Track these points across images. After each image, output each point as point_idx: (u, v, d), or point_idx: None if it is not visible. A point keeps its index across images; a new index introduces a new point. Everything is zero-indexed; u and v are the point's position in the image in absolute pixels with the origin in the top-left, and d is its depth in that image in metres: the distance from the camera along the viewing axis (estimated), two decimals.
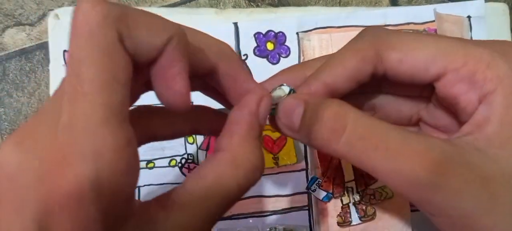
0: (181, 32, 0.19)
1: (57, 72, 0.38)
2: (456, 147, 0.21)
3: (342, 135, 0.22)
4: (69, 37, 0.17)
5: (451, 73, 0.22)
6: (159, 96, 0.20)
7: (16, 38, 0.40)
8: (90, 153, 0.16)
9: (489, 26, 0.40)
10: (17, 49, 0.40)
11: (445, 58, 0.22)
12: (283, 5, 0.41)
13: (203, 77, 0.23)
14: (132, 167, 0.17)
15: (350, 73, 0.23)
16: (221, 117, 0.24)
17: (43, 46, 0.40)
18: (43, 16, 0.40)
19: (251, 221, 0.38)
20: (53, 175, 0.16)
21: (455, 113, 0.23)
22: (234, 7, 0.41)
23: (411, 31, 0.39)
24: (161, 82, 0.19)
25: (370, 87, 0.25)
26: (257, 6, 0.42)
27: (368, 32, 0.25)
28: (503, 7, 0.41)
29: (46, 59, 0.39)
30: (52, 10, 0.39)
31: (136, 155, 0.18)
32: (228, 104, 0.25)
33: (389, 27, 0.39)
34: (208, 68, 0.22)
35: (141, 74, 0.19)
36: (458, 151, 0.21)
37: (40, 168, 0.16)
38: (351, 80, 0.24)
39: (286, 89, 0.24)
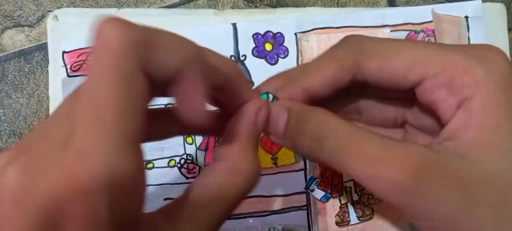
0: (199, 54, 0.19)
1: (56, 73, 0.38)
2: (436, 152, 0.21)
3: (325, 143, 0.22)
4: (89, 58, 0.17)
5: (429, 80, 0.22)
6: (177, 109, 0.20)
7: (15, 39, 0.40)
8: (104, 179, 0.16)
9: (486, 26, 0.40)
10: (16, 50, 0.40)
11: (423, 65, 0.22)
12: (282, 5, 0.42)
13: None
14: (143, 188, 0.18)
15: (328, 82, 0.24)
16: (212, 117, 0.25)
17: (42, 47, 0.40)
18: (42, 17, 0.41)
19: (250, 221, 0.38)
20: (65, 199, 0.15)
21: (437, 117, 0.24)
22: (232, 8, 0.41)
23: (409, 31, 0.39)
24: (179, 99, 0.19)
25: (354, 90, 0.26)
26: (256, 6, 0.42)
27: (348, 40, 0.25)
28: (500, 7, 0.41)
29: (45, 60, 0.39)
30: (51, 11, 0.40)
31: (145, 175, 0.18)
32: (221, 106, 0.25)
33: (387, 28, 0.39)
34: (218, 86, 0.22)
35: (156, 88, 0.19)
36: (437, 156, 0.21)
37: (49, 192, 0.15)
38: (329, 87, 0.24)
39: (269, 96, 0.25)
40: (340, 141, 0.22)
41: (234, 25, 0.39)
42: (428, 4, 0.41)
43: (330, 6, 0.42)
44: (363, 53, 0.23)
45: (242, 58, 0.39)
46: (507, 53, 0.41)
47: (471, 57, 0.21)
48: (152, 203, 0.37)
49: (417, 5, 0.42)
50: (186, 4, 0.41)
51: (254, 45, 0.39)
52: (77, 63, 0.37)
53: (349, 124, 0.23)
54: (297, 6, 0.42)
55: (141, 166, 0.17)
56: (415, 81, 0.22)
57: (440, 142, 0.22)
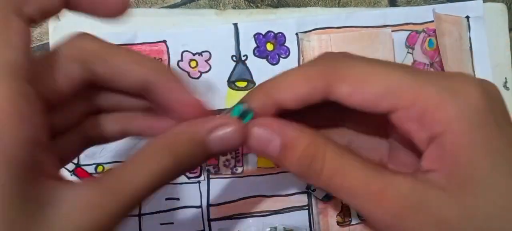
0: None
1: None
2: (414, 186, 0.21)
3: (316, 173, 0.23)
4: None
5: (401, 111, 0.22)
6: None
7: None
8: None
9: (487, 26, 0.40)
10: None
11: (394, 95, 0.22)
12: (283, 6, 0.42)
13: (138, 95, 0.24)
14: (28, 119, 0.18)
15: (299, 98, 0.24)
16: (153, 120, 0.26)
17: (44, 48, 0.40)
18: None
19: (251, 220, 0.38)
20: None
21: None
22: (234, 8, 0.41)
23: (410, 30, 0.40)
24: None
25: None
26: (257, 7, 0.42)
27: (323, 58, 0.25)
28: (501, 7, 0.41)
29: None
30: None
31: (32, 110, 0.18)
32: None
33: (389, 28, 0.39)
34: (138, 83, 0.23)
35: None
36: (415, 191, 0.21)
37: None
38: (301, 103, 0.24)
39: (243, 106, 0.25)
40: (328, 174, 0.23)
41: (235, 25, 0.39)
42: (429, 4, 0.41)
43: (331, 6, 0.42)
44: (335, 76, 0.23)
45: (243, 58, 0.39)
46: (508, 53, 0.41)
47: (444, 91, 0.21)
48: (154, 203, 0.38)
49: (418, 5, 0.42)
50: (187, 4, 0.41)
51: (255, 45, 0.39)
52: None
53: (336, 153, 0.23)
54: (298, 6, 0.42)
55: (24, 94, 0.18)
56: (386, 109, 0.22)
57: (418, 174, 0.22)
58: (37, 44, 0.40)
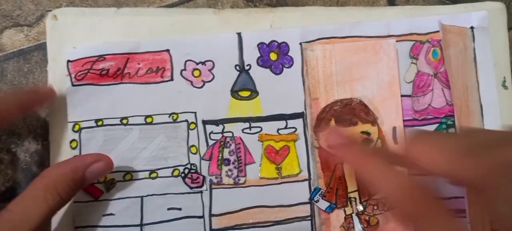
0: None
1: (55, 73, 0.38)
2: None
3: None
4: None
5: None
6: None
7: (14, 39, 0.40)
8: None
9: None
10: (15, 50, 0.40)
11: None
12: (281, 5, 0.41)
13: None
14: None
15: None
16: None
17: (42, 47, 0.40)
18: (41, 17, 0.40)
19: None
20: None
21: None
22: (232, 7, 0.41)
23: (414, 41, 0.39)
24: None
25: None
26: (255, 6, 0.42)
27: None
28: (500, 6, 0.41)
29: (44, 60, 0.39)
30: (50, 11, 0.39)
31: None
32: None
33: (393, 38, 0.39)
34: None
35: None
36: None
37: None
38: None
39: None
40: None
41: (239, 34, 0.39)
42: (428, 4, 0.41)
43: (330, 6, 0.42)
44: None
45: (247, 67, 0.39)
46: (507, 53, 0.41)
47: None
48: (156, 213, 0.37)
49: (416, 4, 0.42)
50: (186, 4, 0.41)
51: (259, 55, 0.39)
52: (82, 72, 0.37)
53: None
54: (296, 5, 0.41)
55: None
56: None
57: None
58: (34, 44, 0.40)
